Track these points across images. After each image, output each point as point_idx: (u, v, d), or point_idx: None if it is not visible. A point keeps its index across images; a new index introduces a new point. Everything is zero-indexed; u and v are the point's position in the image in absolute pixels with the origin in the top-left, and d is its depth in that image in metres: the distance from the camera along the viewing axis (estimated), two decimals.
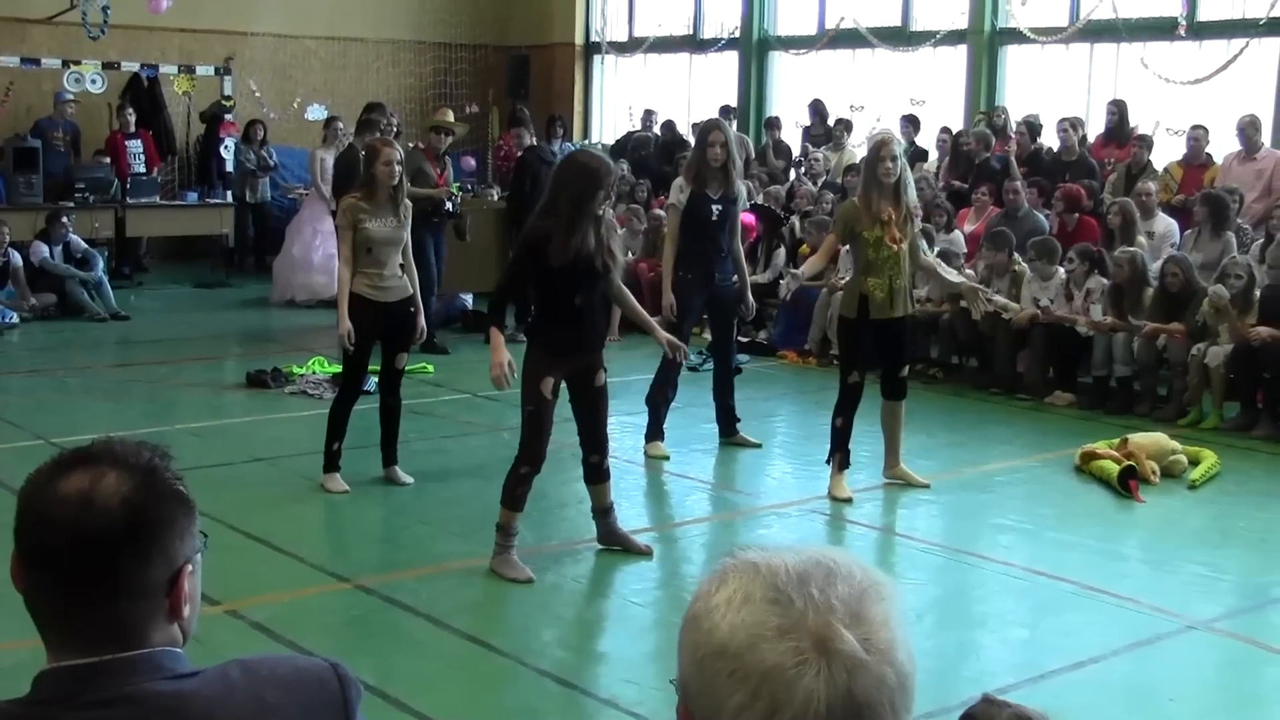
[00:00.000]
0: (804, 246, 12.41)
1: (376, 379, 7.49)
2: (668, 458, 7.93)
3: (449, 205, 11.33)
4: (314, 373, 10.05)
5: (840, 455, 7.25)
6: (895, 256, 7.06)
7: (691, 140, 15.76)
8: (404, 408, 8.35)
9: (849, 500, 7.11)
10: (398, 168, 6.90)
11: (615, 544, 6.23)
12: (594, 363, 5.89)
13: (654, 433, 8.08)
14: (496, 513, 6.14)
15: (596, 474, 6.08)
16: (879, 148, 7.04)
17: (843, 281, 7.53)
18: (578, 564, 6.15)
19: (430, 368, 10.43)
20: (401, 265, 7.04)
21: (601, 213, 5.64)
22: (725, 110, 15.38)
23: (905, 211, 7.06)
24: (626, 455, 7.96)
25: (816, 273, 7.85)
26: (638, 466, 7.87)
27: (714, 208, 7.92)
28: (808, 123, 15.51)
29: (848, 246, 7.31)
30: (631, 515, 6.54)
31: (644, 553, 6.19)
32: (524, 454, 5.82)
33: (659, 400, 8.10)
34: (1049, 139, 12.79)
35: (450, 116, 11.66)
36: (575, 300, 5.70)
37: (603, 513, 6.20)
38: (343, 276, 6.96)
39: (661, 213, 13.17)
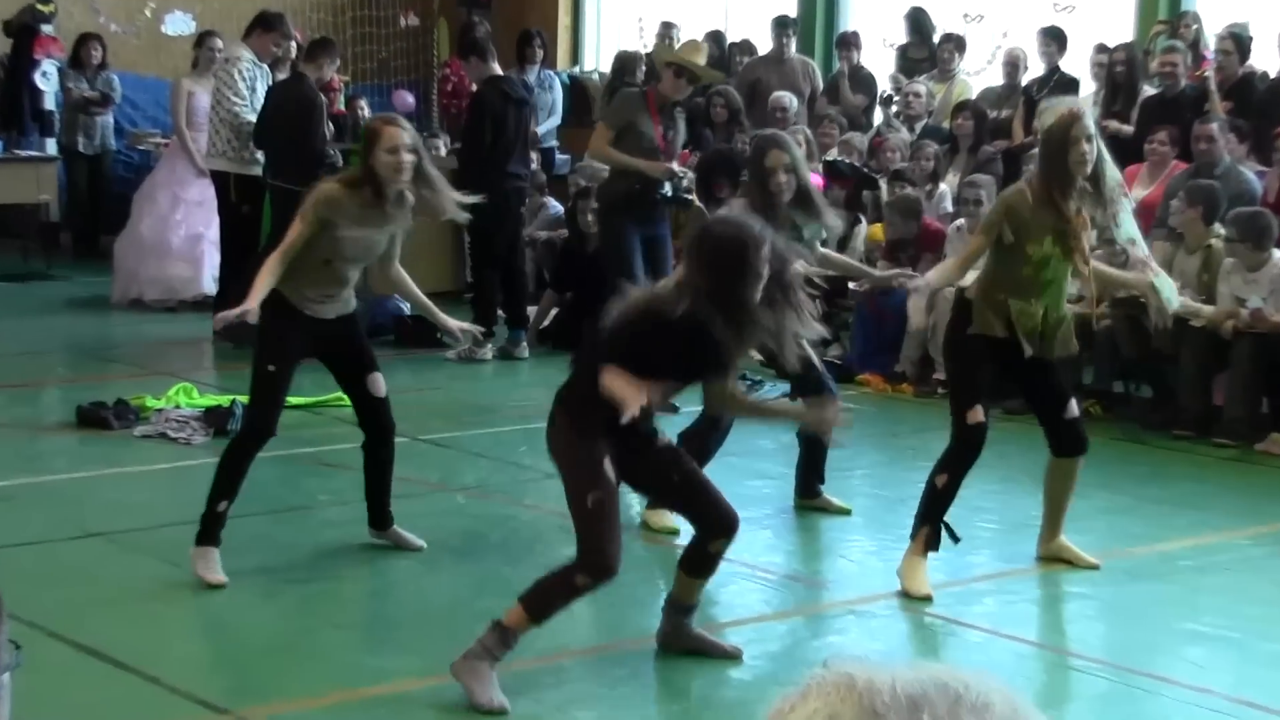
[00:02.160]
0: (876, 228, 12.42)
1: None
2: (676, 532, 7.92)
3: (668, 188, 10.49)
4: (177, 407, 10.06)
5: (929, 530, 7.22)
6: (1058, 279, 7.15)
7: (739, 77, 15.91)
8: (308, 458, 8.29)
9: (928, 599, 7.09)
10: (408, 158, 6.91)
11: (686, 649, 6.31)
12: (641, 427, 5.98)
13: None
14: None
15: (709, 566, 6.25)
16: (1069, 124, 7.02)
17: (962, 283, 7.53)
18: (563, 686, 6.14)
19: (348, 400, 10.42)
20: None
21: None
22: (781, 23, 15.44)
23: (1103, 207, 7.14)
24: (636, 525, 7.94)
25: (946, 284, 7.88)
26: (635, 540, 7.83)
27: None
28: (901, 40, 15.55)
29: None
30: (633, 614, 6.51)
31: (732, 655, 6.32)
32: (588, 560, 5.83)
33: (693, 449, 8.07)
34: (1265, 59, 12.77)
35: (702, 56, 11.01)
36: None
37: (685, 610, 6.31)
38: (268, 265, 6.99)
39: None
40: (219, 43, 14.18)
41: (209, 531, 7.06)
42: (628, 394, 5.57)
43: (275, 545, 7.60)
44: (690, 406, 8.11)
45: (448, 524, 8.07)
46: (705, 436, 8.01)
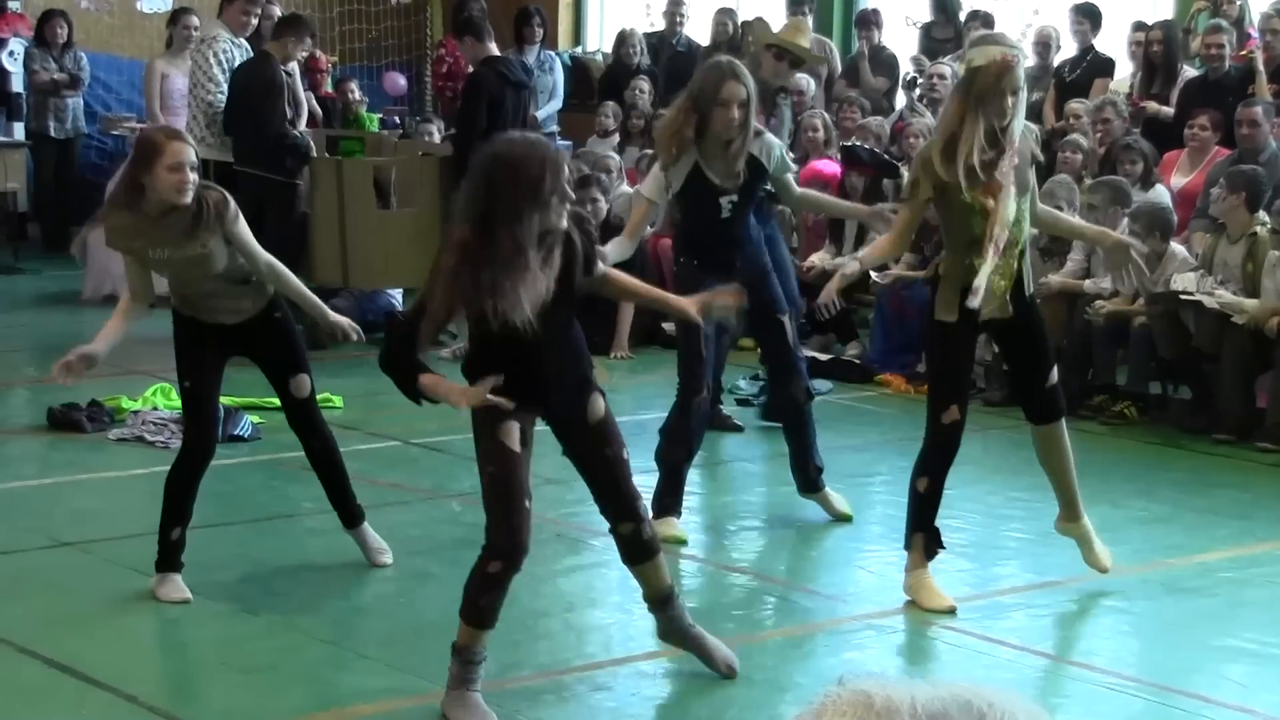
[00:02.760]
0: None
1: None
2: (684, 541, 7.94)
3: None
4: (155, 408, 10.08)
5: (923, 537, 7.23)
6: (1017, 228, 7.09)
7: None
8: (293, 462, 8.32)
9: (950, 610, 7.10)
10: (191, 175, 6.80)
11: (684, 647, 6.28)
12: (573, 394, 5.92)
13: (667, 504, 8.06)
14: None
15: (636, 548, 6.11)
16: (1000, 72, 6.89)
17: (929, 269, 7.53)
18: (564, 705, 6.13)
19: (338, 401, 10.44)
20: (247, 276, 7.12)
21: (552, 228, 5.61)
22: (796, 0, 15.41)
23: (1011, 146, 7.04)
24: None
25: (885, 260, 7.89)
26: None
27: (724, 201, 7.93)
28: (925, 19, 15.55)
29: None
30: (638, 629, 6.51)
31: (726, 674, 6.26)
32: (492, 542, 5.81)
33: (678, 455, 8.08)
34: None
35: (805, 37, 10.61)
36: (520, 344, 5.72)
37: (660, 602, 6.22)
38: (119, 315, 7.20)
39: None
40: (195, 20, 14.17)
41: (166, 559, 7.08)
42: (450, 398, 5.64)
43: (257, 556, 7.61)
44: (656, 412, 8.12)
45: (441, 533, 8.08)
46: (684, 425, 8.03)
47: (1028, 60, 7.21)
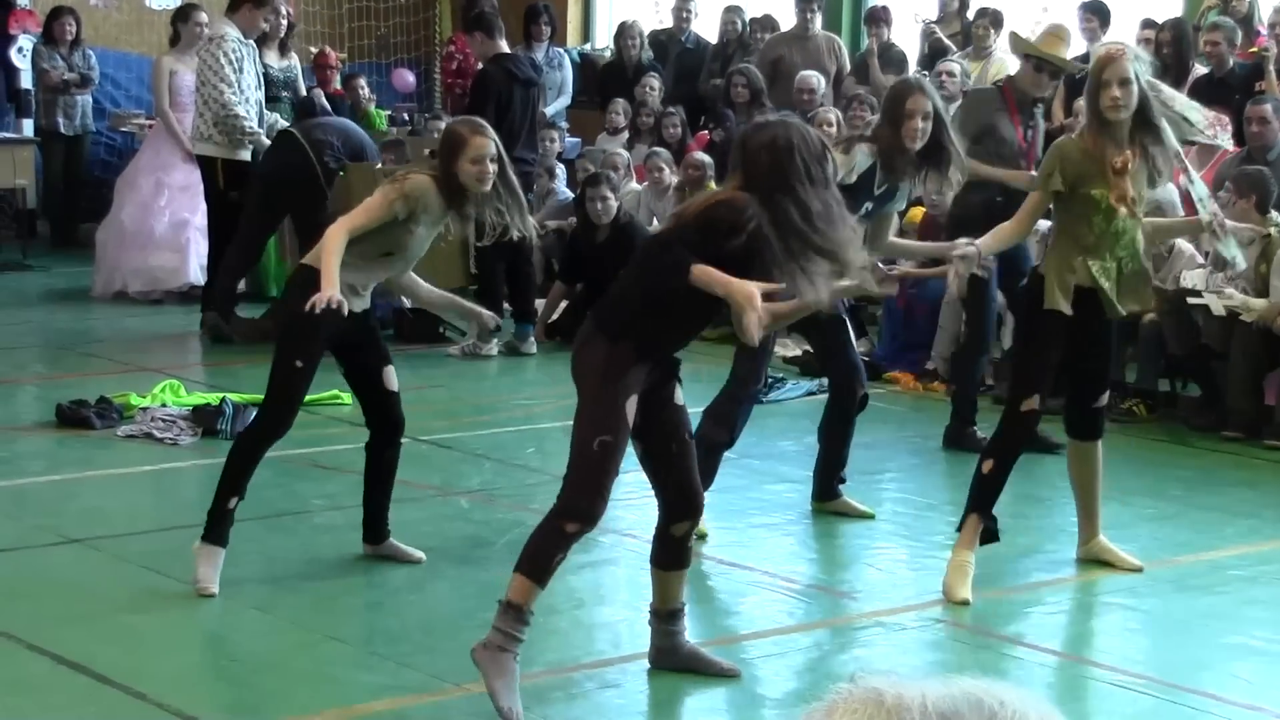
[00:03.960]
0: (915, 211, 12.42)
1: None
2: (704, 536, 7.93)
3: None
4: (164, 405, 10.07)
5: (978, 519, 7.25)
6: (1129, 229, 7.20)
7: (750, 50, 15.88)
8: (303, 459, 8.31)
9: (965, 603, 7.12)
10: (491, 167, 6.97)
11: (679, 666, 6.27)
12: (670, 370, 6.03)
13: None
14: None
15: (673, 553, 6.15)
16: (1103, 65, 7.13)
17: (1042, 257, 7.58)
18: (573, 702, 6.14)
19: (346, 399, 10.43)
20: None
21: None
22: None
23: (1153, 159, 7.18)
24: (646, 532, 7.93)
25: (1008, 245, 7.85)
26: None
27: (866, 204, 7.92)
28: (933, 16, 15.53)
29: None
30: (646, 627, 6.50)
31: (730, 673, 6.28)
32: (574, 504, 5.84)
33: (720, 440, 8.04)
34: None
35: (1065, 46, 10.03)
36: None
37: (670, 615, 6.25)
38: (335, 243, 6.87)
39: (705, 157, 13.21)
40: (204, 17, 14.15)
41: (216, 530, 7.08)
42: (735, 291, 5.54)
43: (268, 553, 7.61)
44: (704, 386, 8.12)
45: (451, 530, 8.09)
46: (732, 411, 8.02)
47: (1143, 61, 7.25)
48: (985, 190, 9.55)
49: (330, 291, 6.63)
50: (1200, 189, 7.65)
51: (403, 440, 7.54)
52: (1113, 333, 7.51)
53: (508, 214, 7.07)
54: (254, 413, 9.66)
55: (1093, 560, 7.68)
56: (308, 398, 9.65)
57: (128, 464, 9.20)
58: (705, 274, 5.58)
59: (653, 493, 6.18)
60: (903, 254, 8.47)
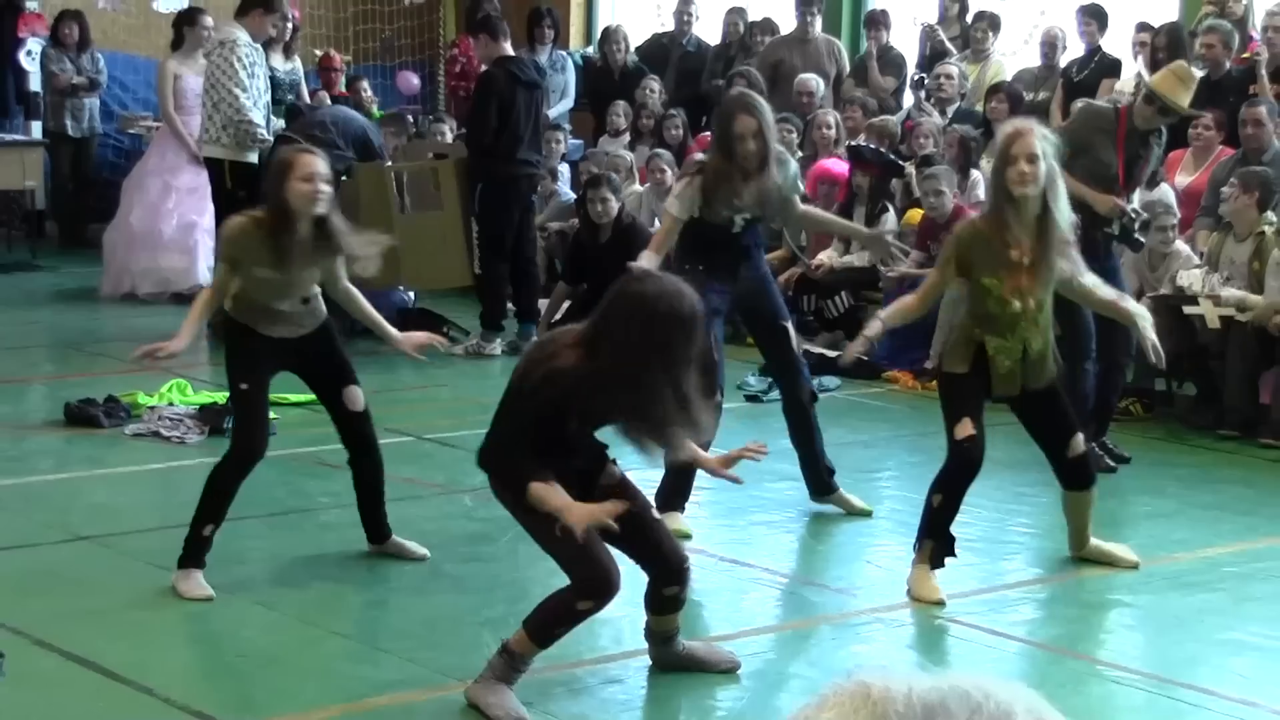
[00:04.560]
0: (913, 213, 12.45)
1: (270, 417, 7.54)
2: (689, 536, 7.94)
3: (1115, 226, 9.31)
4: (171, 404, 10.09)
5: (933, 546, 7.26)
6: (1031, 317, 7.14)
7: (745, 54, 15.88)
8: (308, 458, 8.31)
9: (939, 603, 7.13)
10: (324, 187, 6.91)
11: (680, 668, 6.31)
12: (599, 463, 6.05)
13: (672, 501, 8.07)
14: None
15: (671, 606, 6.21)
16: (1010, 141, 7.02)
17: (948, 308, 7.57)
18: (577, 698, 6.14)
19: None
20: (308, 297, 7.19)
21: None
22: (804, 1, 15.39)
23: (1050, 246, 7.07)
24: None
25: (907, 321, 7.89)
26: None
27: (738, 219, 8.04)
28: (933, 18, 15.53)
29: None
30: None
31: (729, 669, 6.31)
32: (580, 582, 5.84)
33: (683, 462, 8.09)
34: None
35: (1188, 91, 9.40)
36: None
37: (663, 639, 6.30)
38: (198, 303, 7.24)
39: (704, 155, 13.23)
40: (210, 21, 14.14)
41: (192, 555, 7.07)
42: (565, 515, 5.58)
43: (273, 550, 7.63)
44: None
45: (454, 528, 8.09)
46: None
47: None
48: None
49: (170, 346, 7.01)
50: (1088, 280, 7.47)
51: (384, 441, 7.54)
52: (1051, 390, 7.35)
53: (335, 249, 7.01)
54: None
55: (1090, 559, 7.70)
56: (309, 398, 9.70)
57: (135, 462, 9.21)
58: (539, 495, 5.62)
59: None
60: (815, 226, 8.55)
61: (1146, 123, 9.34)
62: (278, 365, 7.22)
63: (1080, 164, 9.02)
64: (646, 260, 7.85)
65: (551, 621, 5.89)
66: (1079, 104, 11.04)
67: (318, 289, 7.20)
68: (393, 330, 7.41)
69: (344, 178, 12.22)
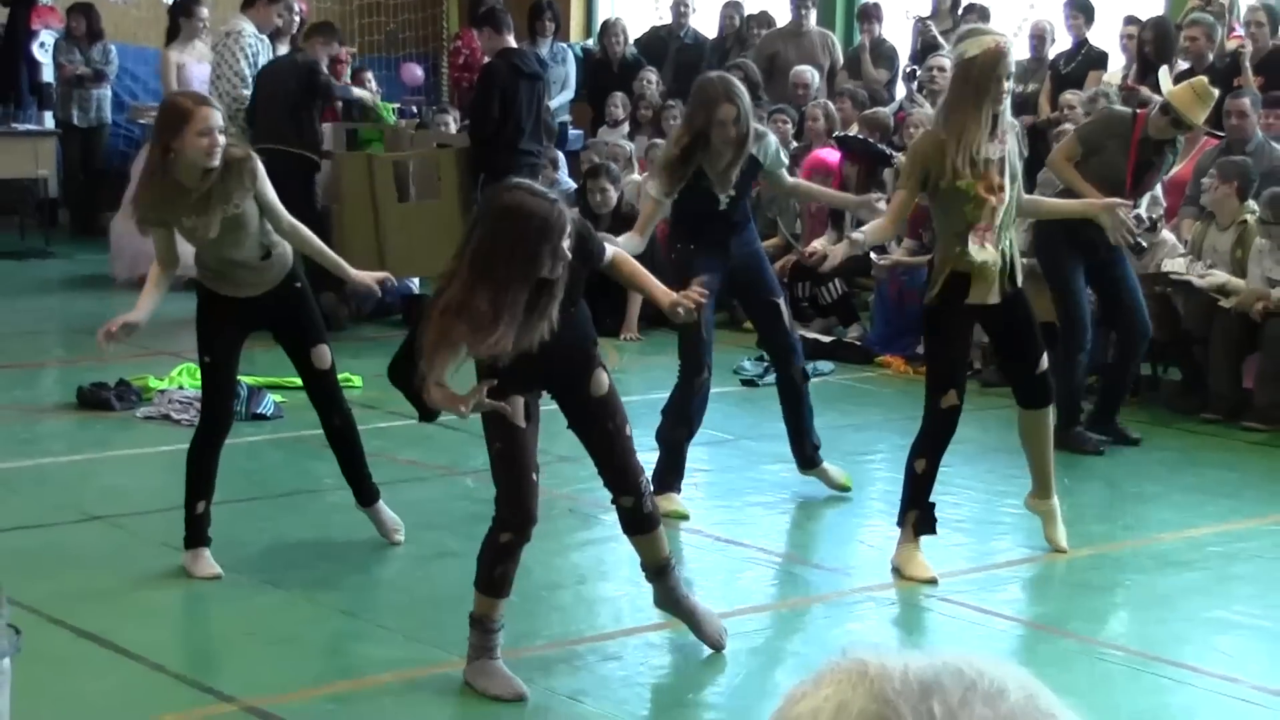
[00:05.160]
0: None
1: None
2: (686, 516, 7.95)
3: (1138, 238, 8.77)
4: (180, 388, 10.09)
5: (917, 515, 7.27)
6: (1006, 212, 7.14)
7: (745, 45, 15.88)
8: (315, 440, 8.33)
9: (932, 581, 7.13)
10: (220, 139, 6.82)
11: (677, 615, 6.30)
12: (577, 370, 5.95)
13: (668, 481, 8.07)
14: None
15: (636, 521, 6.13)
16: (995, 60, 7.02)
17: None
18: (576, 674, 6.14)
19: (357, 381, 10.44)
20: (268, 247, 7.07)
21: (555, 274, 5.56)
22: None
23: (1003, 139, 7.10)
24: None
25: (884, 240, 7.93)
26: None
27: (722, 196, 8.03)
28: (925, 14, 15.52)
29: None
30: (646, 600, 6.50)
31: (715, 647, 6.26)
32: (501, 514, 5.84)
33: (677, 436, 8.12)
34: None
35: (1204, 107, 9.23)
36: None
37: (657, 571, 6.23)
38: (151, 275, 7.18)
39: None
40: (205, 12, 14.16)
41: (194, 534, 7.08)
42: (453, 407, 5.63)
43: (279, 531, 7.63)
44: (664, 392, 8.12)
45: (456, 508, 8.09)
46: (685, 405, 8.06)
47: (1017, 51, 7.27)
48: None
49: (126, 316, 7.18)
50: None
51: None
52: (1023, 305, 7.34)
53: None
54: (267, 395, 9.72)
55: (1037, 513, 7.67)
56: None
57: (146, 444, 9.21)
58: (431, 395, 5.62)
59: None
60: (808, 197, 8.58)
61: (1160, 133, 9.27)
62: (245, 329, 7.14)
63: (1091, 164, 9.03)
64: (627, 240, 7.81)
65: (487, 564, 5.88)
66: (1088, 102, 11.11)
67: (285, 246, 7.08)
68: (347, 267, 7.27)
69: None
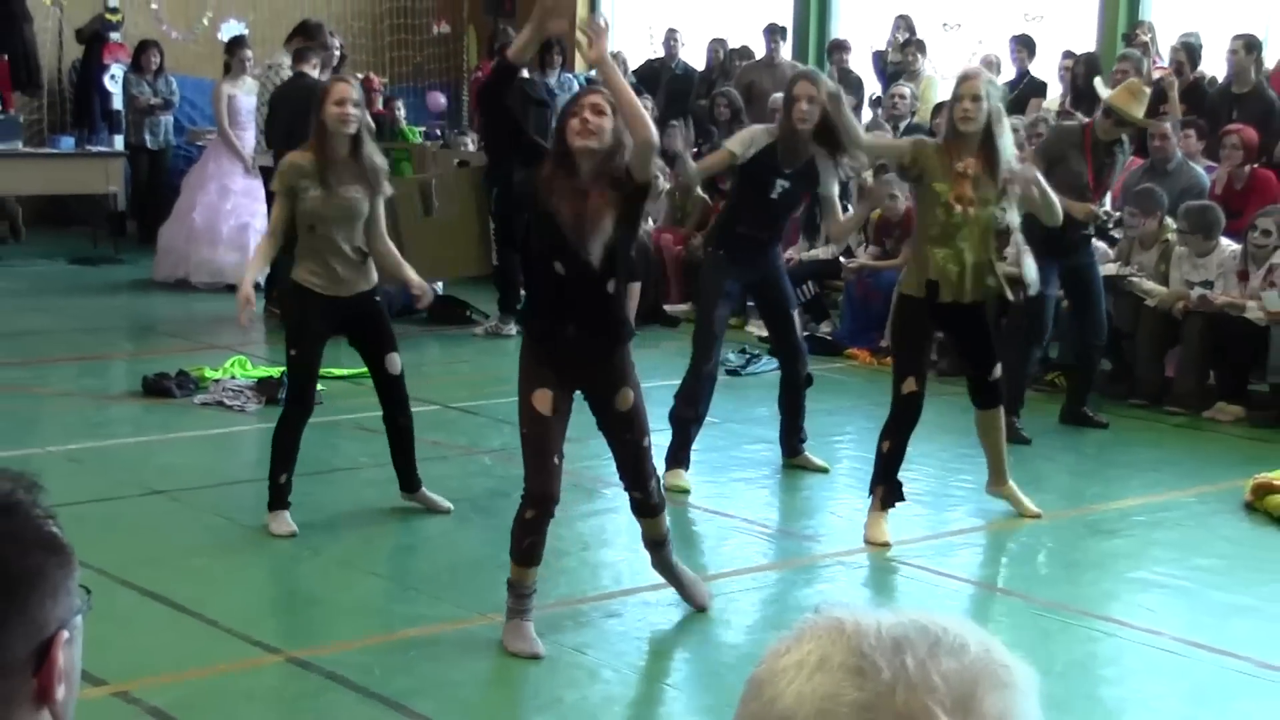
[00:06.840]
0: (875, 213, 12.41)
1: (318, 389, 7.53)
2: (688, 491, 7.95)
3: (1091, 229, 9.33)
4: (233, 377, 10.07)
5: (884, 489, 7.28)
6: (971, 224, 7.13)
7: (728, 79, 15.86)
8: (350, 424, 8.28)
9: (886, 545, 7.16)
10: (353, 110, 6.88)
11: (669, 581, 6.31)
12: (607, 378, 5.92)
13: (677, 458, 8.09)
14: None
15: (644, 509, 6.16)
16: (959, 83, 7.24)
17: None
18: (581, 630, 6.14)
19: None
20: (364, 251, 7.07)
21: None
22: (771, 30, 15.41)
23: (998, 172, 7.10)
24: None
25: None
26: None
27: (779, 183, 7.92)
28: (883, 47, 15.50)
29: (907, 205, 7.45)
30: (646, 564, 6.51)
31: (700, 608, 6.27)
32: (527, 491, 5.83)
33: (688, 417, 8.12)
34: (1213, 66, 12.74)
35: (1140, 105, 9.23)
36: (555, 267, 5.85)
37: (655, 545, 6.26)
38: (259, 247, 7.17)
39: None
40: (249, 53, 14.27)
41: (276, 499, 7.14)
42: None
43: (320, 503, 7.61)
44: (654, 381, 8.11)
45: (475, 484, 8.08)
46: (695, 390, 8.05)
47: (995, 86, 7.28)
48: None
49: (243, 290, 7.04)
50: (1013, 217, 7.48)
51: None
52: (984, 315, 7.39)
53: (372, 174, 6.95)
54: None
55: (1000, 497, 7.72)
56: (352, 371, 9.65)
57: (203, 427, 9.20)
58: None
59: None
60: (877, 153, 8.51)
61: (1107, 134, 9.26)
62: (329, 329, 7.17)
63: (1056, 173, 8.91)
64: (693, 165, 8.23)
65: (517, 537, 5.85)
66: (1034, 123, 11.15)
67: (372, 262, 7.12)
68: (413, 274, 7.35)
69: None
